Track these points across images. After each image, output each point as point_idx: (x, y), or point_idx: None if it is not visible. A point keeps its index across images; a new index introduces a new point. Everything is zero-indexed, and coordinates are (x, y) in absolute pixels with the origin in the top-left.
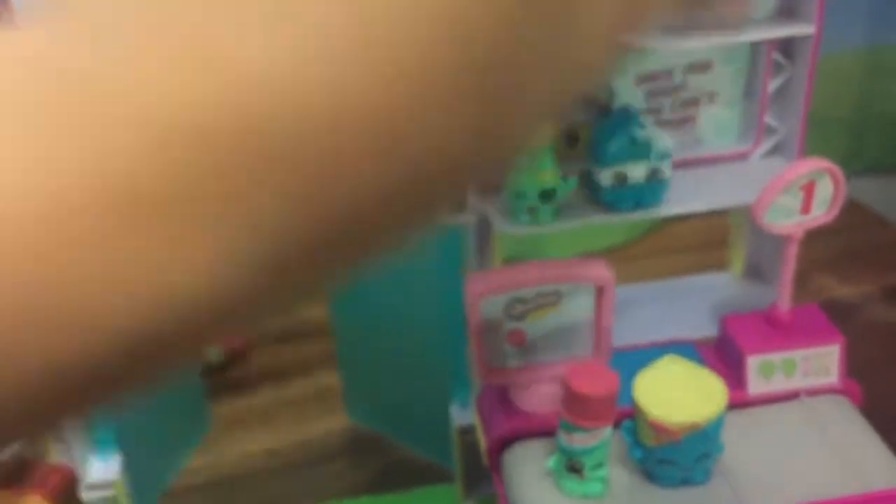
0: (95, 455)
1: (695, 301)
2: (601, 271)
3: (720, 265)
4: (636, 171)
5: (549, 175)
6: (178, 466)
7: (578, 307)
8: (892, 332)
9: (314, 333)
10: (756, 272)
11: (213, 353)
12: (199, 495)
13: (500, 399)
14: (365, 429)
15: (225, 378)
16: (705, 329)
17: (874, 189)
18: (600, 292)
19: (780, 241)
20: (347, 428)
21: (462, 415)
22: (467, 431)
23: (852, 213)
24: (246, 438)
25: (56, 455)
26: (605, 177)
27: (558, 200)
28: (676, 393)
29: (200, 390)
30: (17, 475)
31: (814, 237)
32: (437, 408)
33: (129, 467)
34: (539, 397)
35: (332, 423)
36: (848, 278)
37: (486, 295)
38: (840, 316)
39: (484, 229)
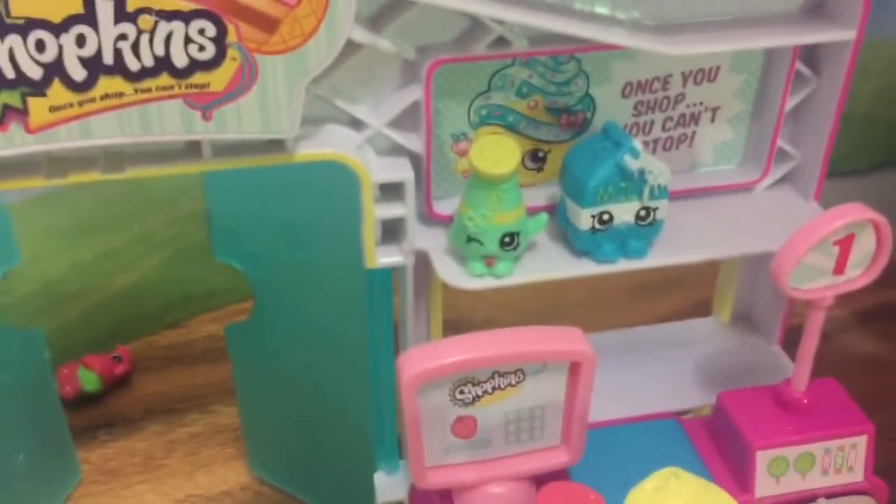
0: None
1: (676, 356)
2: (579, 345)
3: (679, 280)
4: (623, 212)
5: (511, 215)
6: None
7: (546, 388)
8: (866, 364)
9: (217, 356)
10: (747, 320)
11: (88, 379)
12: None
13: (442, 501)
14: (269, 486)
15: (102, 411)
16: (691, 396)
17: (836, 191)
18: (576, 370)
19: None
20: (248, 483)
21: (388, 487)
22: None
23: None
24: (121, 494)
25: None
26: (583, 218)
27: (522, 246)
28: None
29: (65, 434)
30: None
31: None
32: (359, 471)
33: None
34: (492, 502)
35: (229, 476)
36: None
37: (427, 378)
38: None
39: (424, 272)
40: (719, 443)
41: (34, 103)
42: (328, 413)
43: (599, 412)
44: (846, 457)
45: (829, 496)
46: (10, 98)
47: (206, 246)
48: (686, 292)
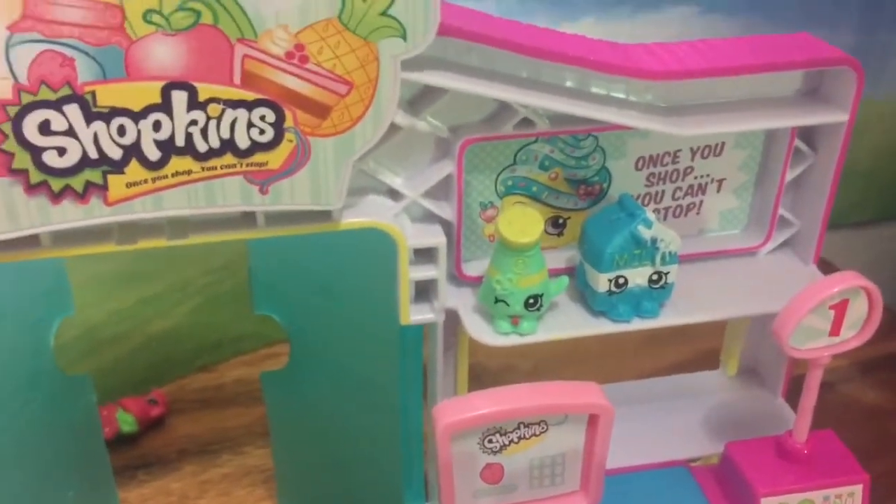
0: None
1: (684, 407)
2: (597, 399)
3: (686, 331)
4: (637, 276)
5: (535, 278)
6: None
7: (567, 438)
8: (868, 414)
9: (247, 399)
10: (753, 374)
11: (126, 420)
12: None
13: None
14: None
15: (139, 452)
16: (700, 445)
17: (839, 243)
18: (594, 421)
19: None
20: None
21: None
22: None
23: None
24: None
25: None
26: (601, 282)
27: (545, 307)
28: None
29: (107, 473)
30: None
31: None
32: None
33: None
34: None
35: None
36: None
37: (460, 429)
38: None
39: (453, 328)
40: (727, 489)
41: (113, 180)
42: (358, 457)
43: (613, 460)
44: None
45: None
46: (93, 176)
47: (237, 293)
48: (693, 343)
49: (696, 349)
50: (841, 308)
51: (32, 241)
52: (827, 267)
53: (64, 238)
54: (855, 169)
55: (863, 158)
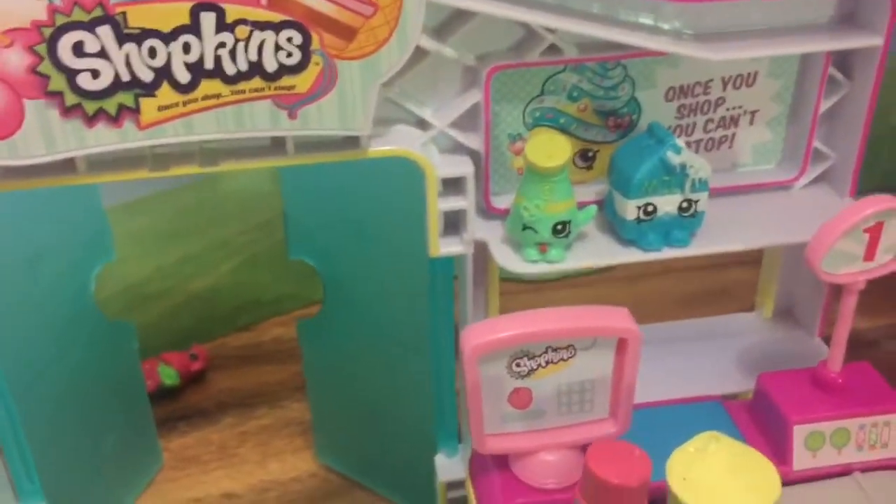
0: None
1: (720, 347)
2: (625, 323)
3: (729, 289)
4: (667, 204)
5: (563, 205)
6: None
7: (595, 363)
8: None
9: (284, 356)
10: (789, 315)
11: (167, 374)
12: None
13: (498, 468)
14: (336, 473)
15: (180, 405)
16: (735, 382)
17: None
18: (622, 346)
19: (823, 287)
20: (316, 471)
21: (448, 468)
22: (454, 487)
23: None
24: (199, 479)
25: None
26: (629, 209)
27: (573, 234)
28: (719, 479)
29: (149, 422)
30: None
31: None
32: (419, 456)
33: None
34: (545, 468)
35: (299, 464)
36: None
37: (488, 350)
38: (856, 353)
39: (482, 261)
40: (759, 421)
41: (145, 103)
42: (392, 401)
43: (646, 394)
44: (880, 434)
45: (865, 470)
46: (125, 99)
47: (275, 254)
48: (730, 303)
49: (735, 308)
50: (876, 231)
51: (68, 165)
52: None
53: (99, 164)
54: None
55: None
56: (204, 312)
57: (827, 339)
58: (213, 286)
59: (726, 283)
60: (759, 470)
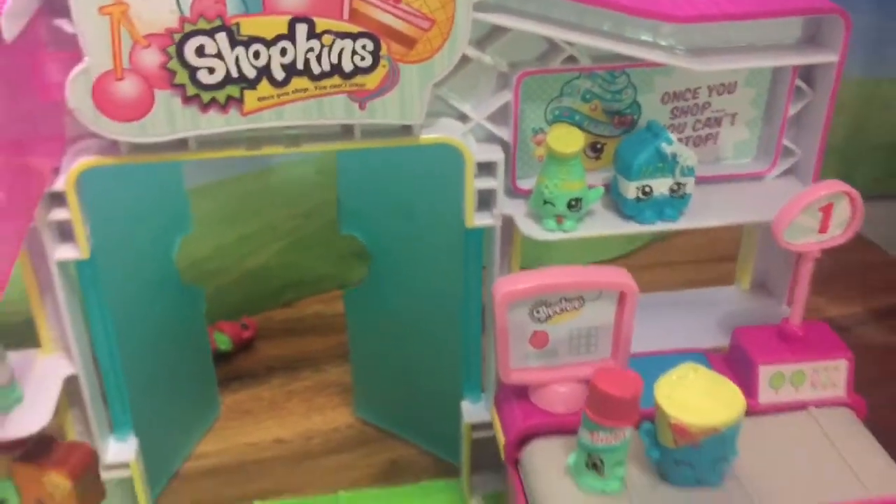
0: (112, 437)
1: (704, 312)
2: (625, 279)
3: (719, 278)
4: (660, 185)
5: (576, 184)
6: (188, 451)
7: (600, 313)
8: (879, 353)
9: (324, 328)
10: (763, 287)
11: (222, 340)
12: (208, 479)
13: (519, 398)
14: (371, 425)
15: (233, 367)
16: (715, 339)
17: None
18: (622, 299)
19: (790, 257)
20: (353, 423)
21: (473, 412)
22: (477, 428)
23: None
24: (253, 427)
25: (76, 437)
26: (630, 190)
27: (584, 209)
28: (696, 398)
29: (212, 377)
30: (39, 452)
31: None
32: (446, 407)
33: (143, 450)
34: (558, 397)
35: (339, 417)
36: (837, 297)
37: (515, 297)
38: None
39: (509, 230)
40: (733, 366)
41: (248, 94)
42: (424, 358)
43: (642, 347)
44: (830, 376)
45: (817, 406)
46: (233, 91)
47: (317, 238)
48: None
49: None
50: (828, 210)
51: (182, 144)
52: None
53: (206, 143)
54: (879, 143)
55: (886, 134)
56: (254, 288)
57: None
58: (263, 265)
59: (721, 273)
60: (727, 392)
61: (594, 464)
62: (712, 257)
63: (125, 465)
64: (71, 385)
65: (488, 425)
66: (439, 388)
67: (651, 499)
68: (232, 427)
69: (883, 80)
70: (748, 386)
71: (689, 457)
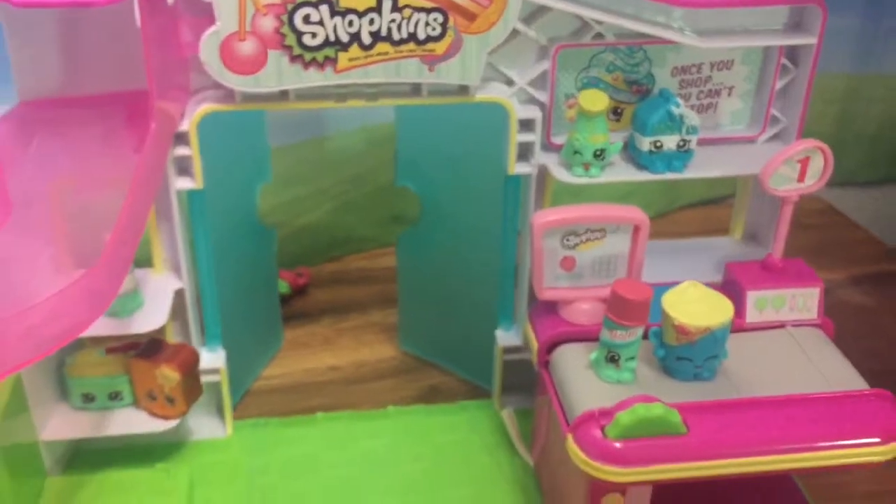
0: (205, 347)
1: (704, 256)
2: (639, 215)
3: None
4: (670, 141)
5: (601, 138)
6: (257, 373)
7: (618, 243)
8: (855, 311)
9: (369, 280)
10: (753, 237)
11: (281, 285)
12: (275, 396)
13: (549, 312)
14: (414, 356)
15: (290, 309)
16: (712, 277)
17: (849, 197)
18: (636, 231)
19: (776, 211)
20: (398, 355)
21: (505, 337)
22: (508, 351)
23: (829, 214)
24: (310, 356)
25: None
26: (645, 143)
27: (607, 159)
28: (694, 306)
29: (277, 312)
30: (151, 350)
31: (796, 230)
32: (482, 338)
33: (227, 363)
34: (582, 312)
35: (384, 351)
36: (822, 266)
37: (549, 226)
38: None
39: (542, 178)
40: (726, 293)
41: (341, 56)
42: (464, 293)
43: (651, 279)
44: (805, 301)
45: (794, 325)
46: (330, 52)
47: (362, 203)
48: None
49: None
50: (805, 162)
51: (284, 95)
52: (840, 217)
53: (303, 95)
54: (864, 134)
55: (870, 125)
56: (306, 243)
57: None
58: (315, 223)
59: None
60: (719, 302)
61: (612, 358)
62: (710, 230)
63: (216, 371)
64: (177, 298)
65: (518, 349)
66: (476, 320)
67: (657, 388)
68: (292, 356)
69: (867, 76)
70: (738, 308)
71: (687, 353)
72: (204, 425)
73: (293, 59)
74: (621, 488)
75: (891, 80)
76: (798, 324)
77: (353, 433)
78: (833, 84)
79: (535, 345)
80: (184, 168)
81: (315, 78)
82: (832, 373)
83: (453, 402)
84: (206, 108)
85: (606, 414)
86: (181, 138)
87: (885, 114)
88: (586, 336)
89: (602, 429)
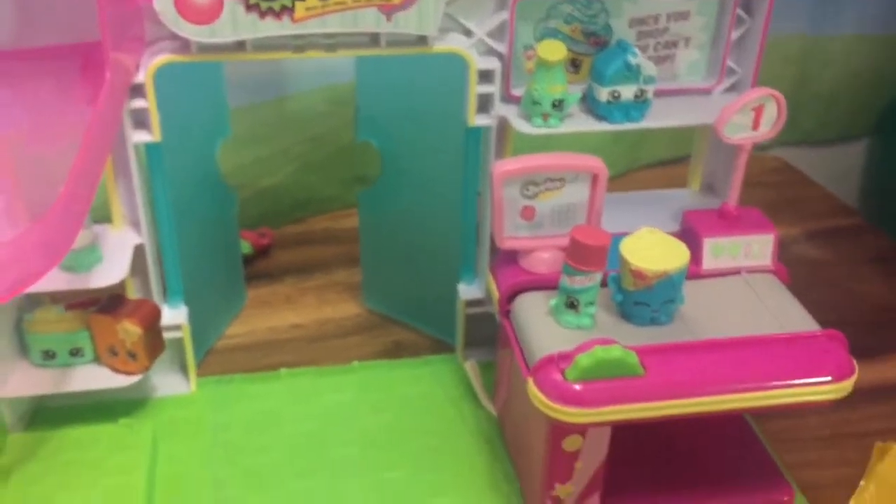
0: (167, 303)
1: (662, 207)
2: (597, 163)
3: None
4: (627, 91)
5: (560, 88)
6: (221, 331)
7: (577, 192)
8: (811, 265)
9: (332, 240)
10: (710, 188)
11: (244, 246)
12: (238, 353)
13: (510, 263)
14: (377, 313)
15: (253, 269)
16: (670, 227)
17: (805, 156)
18: (595, 180)
19: (732, 162)
20: (362, 312)
21: (467, 291)
22: (471, 304)
23: (786, 172)
24: (273, 315)
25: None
26: (603, 94)
27: (565, 109)
28: (651, 251)
29: (240, 270)
30: (112, 306)
31: (755, 188)
32: (444, 293)
33: (189, 319)
34: (542, 261)
35: (348, 309)
36: (780, 222)
37: (509, 175)
38: None
39: (503, 130)
40: (683, 241)
41: (298, 5)
42: (427, 248)
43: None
44: (760, 248)
45: (749, 271)
46: (286, 1)
47: (324, 163)
48: None
49: None
50: (759, 111)
51: (241, 46)
52: (798, 175)
53: (261, 46)
54: (820, 94)
55: (826, 85)
56: (269, 205)
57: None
58: (277, 184)
59: None
60: (675, 248)
61: (571, 304)
62: (679, 186)
63: (178, 328)
64: (137, 253)
65: (481, 302)
66: (439, 276)
67: (615, 332)
68: (255, 315)
69: (824, 37)
70: (695, 255)
71: (645, 297)
72: (167, 382)
73: (249, 7)
74: (581, 430)
75: (846, 41)
76: (753, 270)
77: (316, 388)
78: (790, 45)
79: (496, 295)
80: (141, 121)
81: (271, 28)
82: (785, 316)
83: (417, 356)
84: (162, 58)
85: (566, 357)
86: (137, 90)
87: (841, 74)
88: (546, 285)
89: (562, 372)
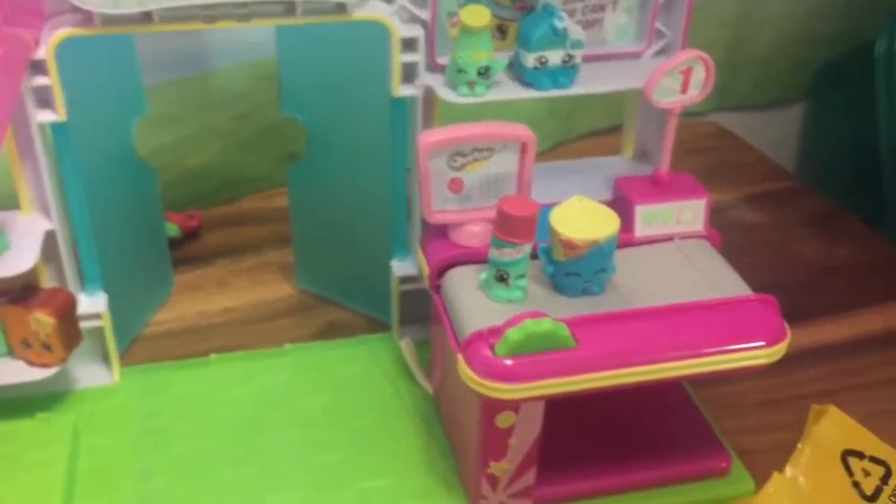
0: (83, 291)
1: (595, 175)
2: (525, 132)
3: None
4: (554, 57)
5: (485, 55)
6: (146, 319)
7: (505, 162)
8: (747, 229)
9: (263, 220)
10: (643, 155)
11: (171, 228)
12: (165, 340)
13: (439, 236)
14: (312, 294)
15: (181, 252)
16: (603, 195)
17: (741, 121)
18: (524, 149)
19: (663, 128)
20: (296, 293)
21: (401, 267)
22: (405, 281)
23: (722, 138)
24: (203, 299)
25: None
26: (529, 60)
27: (492, 77)
28: (582, 220)
29: (166, 255)
30: (24, 297)
31: (691, 153)
32: (378, 271)
33: (110, 307)
34: (472, 234)
35: (281, 290)
36: (716, 187)
37: (435, 146)
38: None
39: (429, 100)
40: (616, 209)
41: None
42: (359, 226)
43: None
44: (692, 213)
45: (681, 238)
46: None
47: (253, 141)
48: None
49: None
50: (687, 73)
51: (147, 17)
52: (734, 140)
53: (169, 17)
54: (754, 57)
55: (761, 48)
56: (196, 185)
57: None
58: (204, 164)
59: None
60: (605, 216)
61: (501, 277)
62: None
63: (97, 316)
64: (48, 240)
65: (414, 279)
66: (371, 253)
67: (547, 304)
68: (184, 300)
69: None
70: (627, 222)
71: (576, 268)
72: (89, 373)
73: None
74: (514, 405)
75: (780, 5)
76: (685, 236)
77: (249, 372)
78: (726, 7)
79: (426, 270)
80: (44, 99)
81: None
82: (718, 281)
83: (353, 336)
84: (63, 32)
85: (496, 332)
86: (38, 67)
87: (775, 37)
88: (477, 258)
89: (491, 347)
